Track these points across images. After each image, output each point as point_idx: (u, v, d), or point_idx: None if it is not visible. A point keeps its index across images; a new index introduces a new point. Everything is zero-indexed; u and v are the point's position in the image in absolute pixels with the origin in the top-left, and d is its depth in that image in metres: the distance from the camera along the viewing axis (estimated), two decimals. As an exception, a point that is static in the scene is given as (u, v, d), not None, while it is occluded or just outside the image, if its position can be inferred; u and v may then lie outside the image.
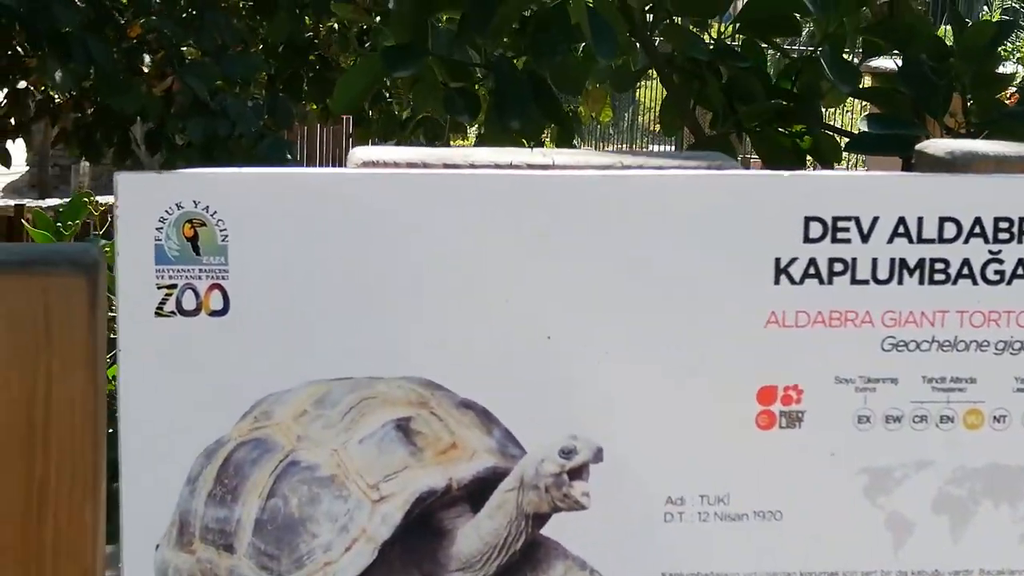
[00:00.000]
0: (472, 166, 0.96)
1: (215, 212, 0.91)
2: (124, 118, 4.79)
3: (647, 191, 0.94)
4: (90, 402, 0.94)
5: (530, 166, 0.97)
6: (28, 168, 13.79)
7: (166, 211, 0.91)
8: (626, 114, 14.52)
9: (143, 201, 0.91)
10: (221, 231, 0.91)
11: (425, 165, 0.96)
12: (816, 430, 0.97)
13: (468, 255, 0.93)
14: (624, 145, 15.04)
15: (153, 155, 5.55)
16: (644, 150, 12.78)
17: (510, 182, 0.93)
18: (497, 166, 0.96)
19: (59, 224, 2.14)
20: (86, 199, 2.24)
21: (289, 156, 4.42)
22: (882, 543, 0.98)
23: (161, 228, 0.91)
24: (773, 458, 0.97)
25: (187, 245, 0.91)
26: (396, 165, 0.96)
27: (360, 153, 0.98)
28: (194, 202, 0.91)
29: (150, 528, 0.94)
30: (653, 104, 14.13)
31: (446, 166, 0.96)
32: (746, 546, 0.98)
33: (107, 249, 2.15)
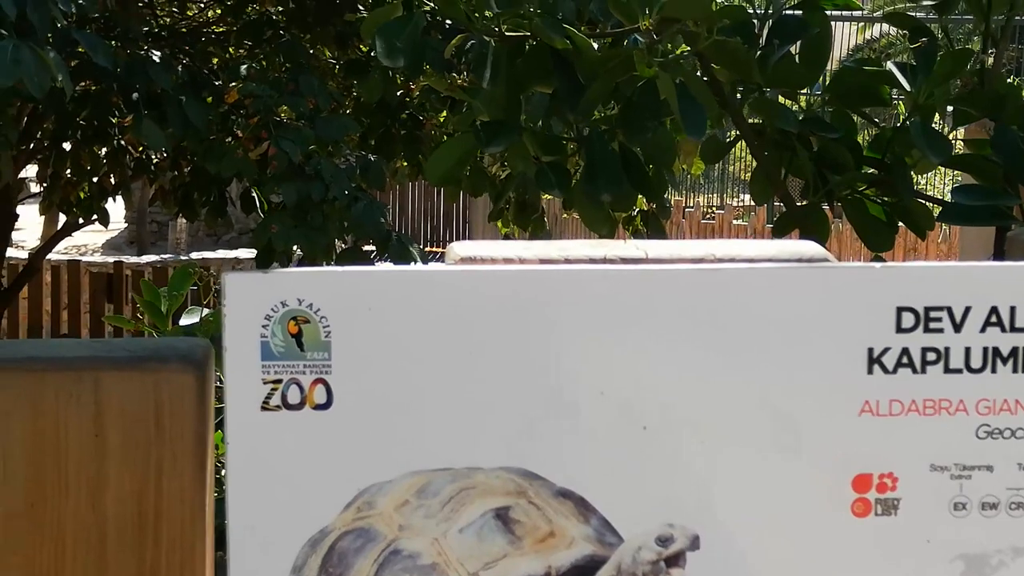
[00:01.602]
0: (567, 261, 0.98)
1: (318, 309, 0.94)
2: (220, 179, 4.87)
3: (740, 285, 0.95)
4: (199, 494, 0.97)
5: (623, 260, 0.98)
6: (126, 225, 14.01)
7: (271, 309, 0.94)
8: (716, 165, 14.49)
9: (249, 300, 0.93)
10: (324, 327, 0.94)
11: (521, 260, 0.98)
12: (912, 517, 0.98)
13: (564, 348, 0.95)
14: (715, 195, 15.02)
15: (248, 215, 5.63)
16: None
17: (606, 277, 0.95)
18: (592, 260, 0.98)
19: (164, 294, 2.19)
20: (191, 270, 2.29)
21: (383, 220, 4.46)
22: (980, 629, 0.99)
23: (267, 325, 0.94)
24: (869, 545, 0.98)
25: (292, 341, 0.94)
26: (493, 261, 0.98)
27: (458, 248, 1.00)
28: (298, 300, 0.94)
29: (258, 616, 0.97)
30: (743, 153, 14.10)
31: (542, 261, 0.98)
32: (843, 633, 0.98)
33: (211, 319, 2.20)
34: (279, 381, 0.94)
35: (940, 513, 0.98)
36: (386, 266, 0.95)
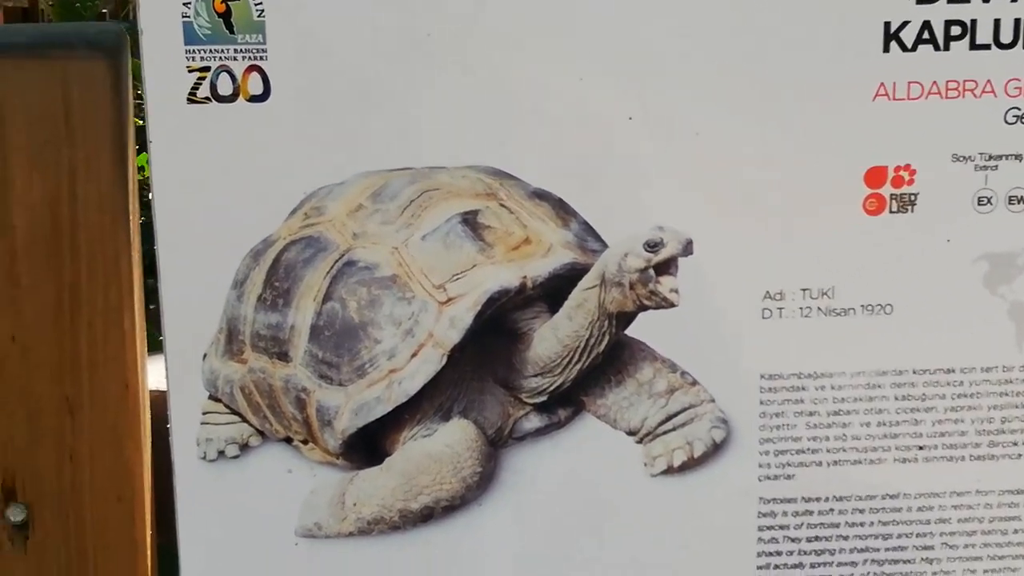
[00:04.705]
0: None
1: (251, -17, 0.83)
2: None
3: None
4: (121, 200, 0.87)
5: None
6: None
7: (196, -16, 0.83)
8: None
9: (170, -27, 0.83)
10: (256, 5, 0.83)
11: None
12: (930, 214, 0.89)
13: (540, 24, 0.85)
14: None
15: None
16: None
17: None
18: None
19: (78, 4, 2.03)
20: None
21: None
22: (1004, 336, 0.91)
23: (189, 3, 0.83)
24: (883, 246, 0.89)
25: (219, 22, 0.83)
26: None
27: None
28: (227, -28, 0.83)
29: (195, 336, 0.88)
30: None
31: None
32: (853, 343, 0.91)
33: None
34: (206, 69, 0.84)
35: (962, 209, 0.89)
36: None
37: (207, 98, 0.84)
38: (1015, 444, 0.93)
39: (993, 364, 0.92)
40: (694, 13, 0.85)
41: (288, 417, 0.90)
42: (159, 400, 0.93)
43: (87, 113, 0.85)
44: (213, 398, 0.90)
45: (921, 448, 0.92)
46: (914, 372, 0.92)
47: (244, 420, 0.91)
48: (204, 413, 0.90)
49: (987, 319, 0.91)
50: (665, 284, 0.88)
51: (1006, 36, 0.86)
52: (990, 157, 0.88)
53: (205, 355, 0.89)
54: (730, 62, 0.86)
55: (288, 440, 0.91)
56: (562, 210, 0.88)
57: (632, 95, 0.86)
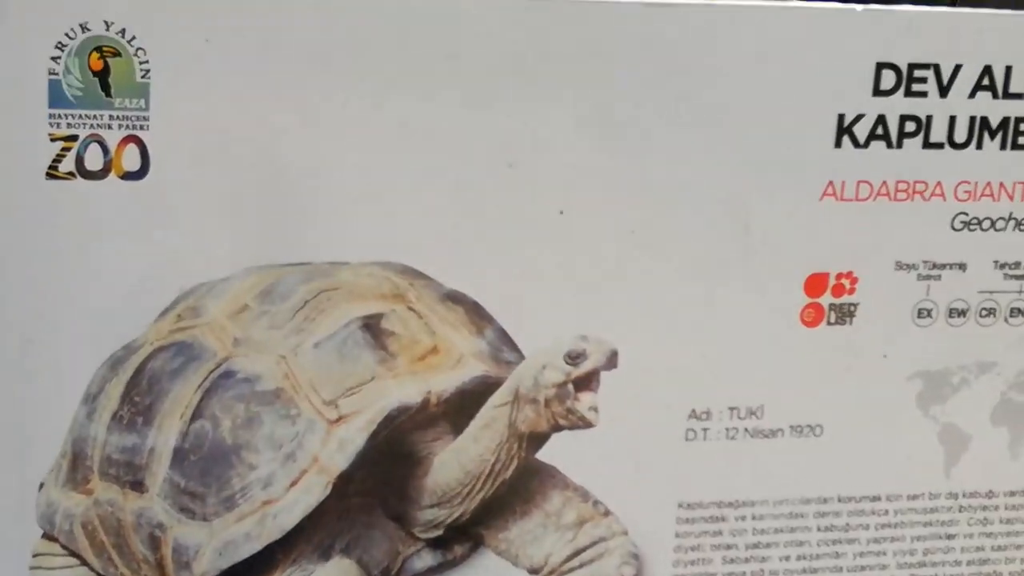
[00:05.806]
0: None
1: (134, 38, 0.68)
2: None
3: (698, 25, 0.75)
4: (-54, 294, 0.71)
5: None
6: None
7: (66, 34, 0.68)
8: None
9: (34, 19, 0.67)
10: (141, 64, 0.69)
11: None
12: (869, 327, 0.81)
13: (462, 102, 0.73)
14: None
15: None
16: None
17: (531, 7, 0.73)
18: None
19: None
20: None
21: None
22: (933, 461, 0.84)
23: (59, 58, 0.68)
24: (817, 361, 0.81)
25: (94, 82, 0.69)
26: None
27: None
28: (106, 23, 0.68)
29: (31, 461, 0.73)
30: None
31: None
32: (779, 468, 0.82)
33: None
34: (74, 138, 0.69)
35: (901, 322, 0.82)
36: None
37: (71, 173, 0.69)
38: (934, 577, 0.86)
39: (919, 492, 0.84)
40: (634, 102, 0.75)
41: (138, 559, 0.75)
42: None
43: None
44: (48, 537, 0.74)
45: (841, 583, 0.84)
46: (839, 500, 0.83)
47: (84, 563, 0.75)
48: (35, 556, 0.74)
49: (917, 442, 0.84)
50: (584, 401, 0.77)
51: (960, 135, 0.80)
52: (934, 266, 0.81)
53: (42, 484, 0.73)
54: (672, 157, 0.76)
55: (136, 585, 0.76)
56: (476, 315, 0.76)
57: (563, 187, 0.75)
